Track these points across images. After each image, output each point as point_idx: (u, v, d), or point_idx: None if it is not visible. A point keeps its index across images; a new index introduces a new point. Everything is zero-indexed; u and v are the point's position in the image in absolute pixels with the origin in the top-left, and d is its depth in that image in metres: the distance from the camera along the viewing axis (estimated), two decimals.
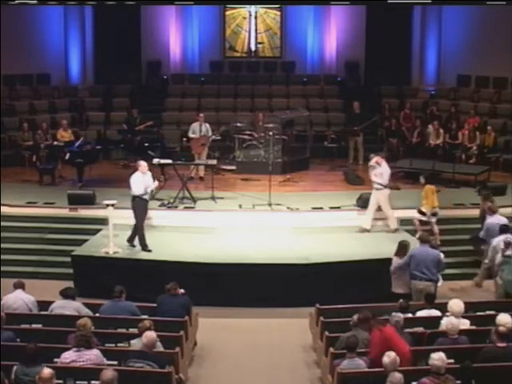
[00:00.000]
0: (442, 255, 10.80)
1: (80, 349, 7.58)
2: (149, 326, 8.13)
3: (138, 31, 22.17)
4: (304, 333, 10.30)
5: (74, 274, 12.16)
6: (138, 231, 12.43)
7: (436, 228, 13.28)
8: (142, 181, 12.34)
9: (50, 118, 19.85)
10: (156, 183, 12.81)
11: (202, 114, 17.30)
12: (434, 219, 13.34)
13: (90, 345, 7.61)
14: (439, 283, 10.82)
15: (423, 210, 13.29)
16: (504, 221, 12.13)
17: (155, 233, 12.63)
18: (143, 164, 12.54)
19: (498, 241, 11.50)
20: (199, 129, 16.83)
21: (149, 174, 12.57)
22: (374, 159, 13.52)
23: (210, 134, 16.87)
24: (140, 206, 12.36)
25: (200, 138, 16.69)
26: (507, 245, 11.09)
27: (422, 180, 13.96)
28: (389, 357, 7.24)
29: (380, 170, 13.36)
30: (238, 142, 17.67)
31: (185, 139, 17.93)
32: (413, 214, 13.64)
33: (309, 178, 17.02)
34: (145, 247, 12.39)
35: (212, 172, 15.42)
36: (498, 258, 11.17)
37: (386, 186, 13.33)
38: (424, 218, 13.32)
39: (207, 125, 17.00)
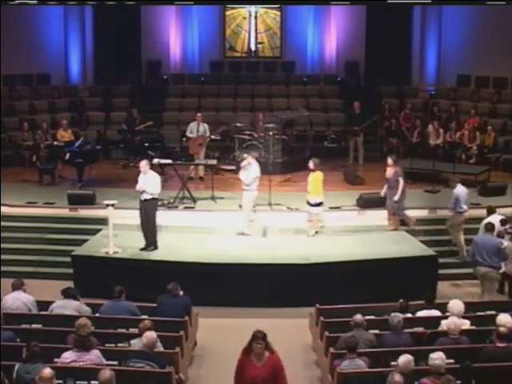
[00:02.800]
0: (504, 244, 11.07)
1: (80, 349, 7.59)
2: (149, 326, 8.13)
3: (138, 31, 22.17)
4: (304, 333, 10.30)
5: (74, 274, 12.15)
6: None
7: (322, 217, 13.33)
8: (139, 180, 12.31)
9: (50, 118, 19.86)
10: (149, 189, 12.23)
11: (199, 114, 17.31)
12: (320, 208, 13.22)
13: (88, 347, 7.62)
14: (501, 270, 11.14)
15: (312, 199, 13.08)
16: (466, 191, 13.09)
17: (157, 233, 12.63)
18: (140, 164, 12.46)
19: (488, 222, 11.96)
20: (197, 128, 16.85)
21: (150, 174, 12.37)
22: (246, 160, 13.22)
23: (208, 133, 16.89)
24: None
25: (197, 138, 16.70)
26: (505, 222, 11.74)
27: (311, 165, 13.17)
28: (406, 357, 7.19)
29: (251, 170, 13.09)
30: (237, 141, 17.66)
31: (185, 139, 17.94)
32: (409, 213, 13.73)
33: None
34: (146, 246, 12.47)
35: (212, 172, 15.42)
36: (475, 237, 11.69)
37: (248, 186, 12.98)
38: (314, 210, 13.16)
39: (205, 125, 17.00)
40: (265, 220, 13.57)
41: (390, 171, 13.43)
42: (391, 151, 18.60)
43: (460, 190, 13.07)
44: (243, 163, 13.32)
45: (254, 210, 13.41)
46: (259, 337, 7.36)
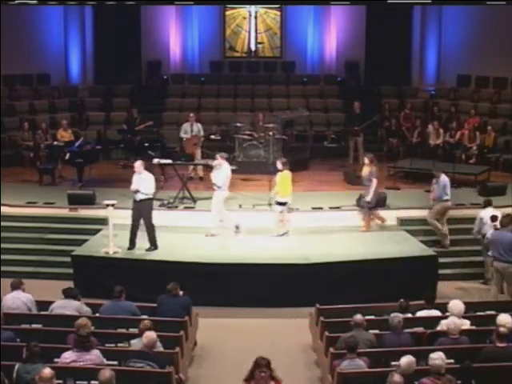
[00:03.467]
0: None
1: (80, 349, 7.59)
2: (149, 326, 8.13)
3: (138, 31, 22.18)
4: (304, 333, 10.30)
5: (74, 274, 12.14)
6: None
7: (286, 216, 13.22)
8: (133, 181, 12.30)
9: (50, 118, 19.87)
10: (144, 189, 12.20)
11: (191, 114, 17.40)
12: (286, 208, 13.12)
13: (88, 347, 7.62)
14: None
15: (279, 199, 12.98)
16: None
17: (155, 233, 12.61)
18: (135, 164, 12.46)
19: (486, 214, 12.30)
20: (190, 129, 16.93)
21: (145, 174, 12.36)
22: (217, 160, 13.21)
23: (202, 133, 16.99)
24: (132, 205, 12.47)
25: (192, 138, 16.76)
26: (494, 218, 11.93)
27: (279, 165, 13.14)
28: (408, 358, 7.19)
29: (221, 171, 13.07)
30: (237, 141, 17.67)
31: (184, 140, 17.96)
32: (409, 213, 13.79)
33: (309, 178, 17.00)
34: (130, 244, 12.40)
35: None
36: (490, 233, 11.90)
37: (219, 187, 12.96)
38: (279, 209, 13.03)
39: (199, 125, 17.10)
40: (237, 219, 13.39)
41: (365, 170, 13.51)
42: (391, 151, 18.67)
43: (445, 179, 13.35)
44: (214, 163, 13.33)
45: (227, 210, 13.28)
46: (263, 364, 6.49)
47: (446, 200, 13.28)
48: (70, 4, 20.74)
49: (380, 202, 14.22)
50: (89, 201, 14.40)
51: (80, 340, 7.62)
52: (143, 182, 12.25)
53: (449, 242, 13.33)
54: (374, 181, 13.31)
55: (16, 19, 19.71)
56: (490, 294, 11.50)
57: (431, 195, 13.53)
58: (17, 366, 7.25)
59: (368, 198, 13.29)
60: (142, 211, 12.30)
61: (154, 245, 12.40)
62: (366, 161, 13.58)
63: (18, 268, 12.74)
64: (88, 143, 16.90)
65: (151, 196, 12.43)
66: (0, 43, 18.66)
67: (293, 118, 18.86)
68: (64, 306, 9.26)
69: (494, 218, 12.10)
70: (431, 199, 13.52)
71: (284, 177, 13.08)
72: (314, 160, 18.37)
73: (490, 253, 11.96)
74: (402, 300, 9.24)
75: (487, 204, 12.67)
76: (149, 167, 13.45)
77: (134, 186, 12.23)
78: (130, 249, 12.39)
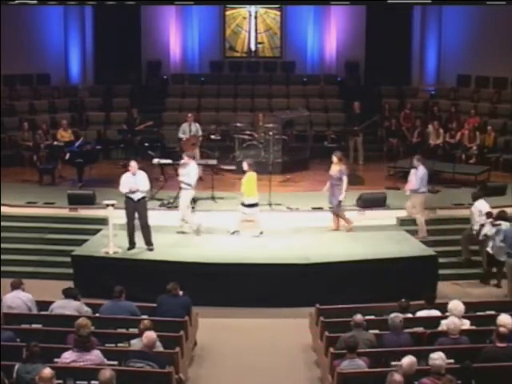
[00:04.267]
0: None
1: (80, 349, 7.59)
2: (149, 326, 8.13)
3: (138, 31, 22.19)
4: (304, 333, 10.30)
5: (74, 274, 12.14)
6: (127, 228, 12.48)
7: (257, 218, 13.18)
8: (128, 181, 12.27)
9: (50, 118, 19.88)
10: (144, 188, 12.34)
11: (190, 114, 17.45)
12: (255, 209, 13.08)
13: (89, 347, 7.62)
14: None
15: (246, 200, 12.94)
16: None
17: (155, 233, 12.61)
18: (131, 164, 12.44)
19: (483, 207, 12.49)
20: (189, 129, 16.97)
21: (139, 173, 12.35)
22: (184, 160, 13.23)
23: (200, 133, 17.03)
24: (125, 205, 12.38)
25: (190, 138, 16.78)
26: (489, 215, 12.14)
27: (244, 166, 13.12)
28: (410, 359, 7.20)
29: (188, 170, 13.09)
30: (237, 141, 17.67)
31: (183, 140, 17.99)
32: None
33: (309, 178, 17.01)
34: (131, 245, 12.41)
35: (212, 172, 15.42)
36: (488, 229, 12.14)
37: (191, 186, 13.02)
38: (249, 211, 13.00)
39: (197, 124, 17.14)
40: (199, 219, 13.46)
41: (334, 169, 13.33)
42: (391, 151, 18.67)
43: (424, 170, 13.33)
44: (182, 162, 13.33)
45: (193, 209, 13.31)
46: None
47: (423, 192, 13.29)
48: (70, 4, 20.76)
49: (379, 202, 14.25)
50: (89, 201, 14.41)
51: (80, 340, 7.62)
52: (140, 181, 12.27)
53: (426, 234, 13.33)
54: (345, 179, 13.18)
55: (16, 19, 19.72)
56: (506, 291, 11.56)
57: (407, 186, 13.49)
58: (17, 366, 7.25)
59: (340, 197, 13.19)
60: (139, 211, 12.30)
61: (151, 244, 12.38)
62: (335, 159, 13.31)
63: (18, 268, 12.74)
64: (88, 143, 16.92)
65: (145, 194, 12.48)
66: (0, 43, 18.67)
67: (293, 118, 18.87)
68: (64, 306, 9.27)
69: (489, 214, 12.12)
70: (407, 189, 13.48)
71: (249, 178, 13.06)
72: (314, 160, 18.34)
73: (489, 249, 12.00)
74: (402, 300, 9.24)
75: (480, 196, 12.79)
76: (149, 167, 13.45)
77: (133, 186, 12.20)
78: (130, 249, 12.40)
